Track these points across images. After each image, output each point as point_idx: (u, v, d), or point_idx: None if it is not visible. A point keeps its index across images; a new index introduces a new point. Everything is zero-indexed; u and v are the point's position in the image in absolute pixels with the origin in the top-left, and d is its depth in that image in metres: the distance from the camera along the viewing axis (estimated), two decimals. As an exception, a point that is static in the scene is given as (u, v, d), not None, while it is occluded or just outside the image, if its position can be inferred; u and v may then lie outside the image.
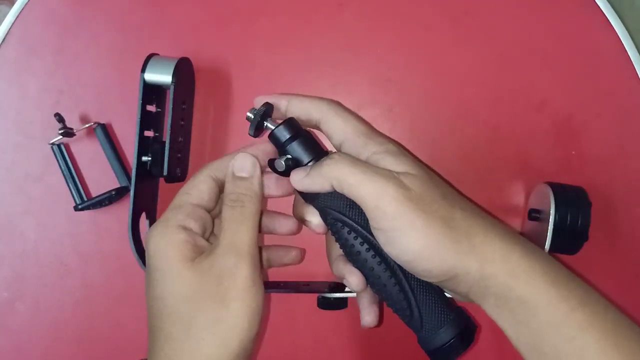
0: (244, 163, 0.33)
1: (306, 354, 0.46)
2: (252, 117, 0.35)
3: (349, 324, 0.46)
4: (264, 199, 0.35)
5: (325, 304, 0.43)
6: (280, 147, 0.35)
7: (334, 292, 0.43)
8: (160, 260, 0.31)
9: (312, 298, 0.43)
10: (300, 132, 0.35)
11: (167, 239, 0.31)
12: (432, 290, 0.34)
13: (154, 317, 0.31)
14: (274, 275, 0.45)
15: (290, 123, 0.35)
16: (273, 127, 0.35)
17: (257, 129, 0.35)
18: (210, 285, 0.29)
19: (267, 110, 0.36)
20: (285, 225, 0.40)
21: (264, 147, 0.36)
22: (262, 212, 0.38)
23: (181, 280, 0.29)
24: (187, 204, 0.33)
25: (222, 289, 0.29)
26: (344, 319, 0.46)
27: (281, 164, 0.34)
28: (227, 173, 0.34)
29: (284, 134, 0.34)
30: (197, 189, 0.34)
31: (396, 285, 0.33)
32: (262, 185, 0.34)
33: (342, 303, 0.43)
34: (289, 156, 0.34)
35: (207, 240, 0.33)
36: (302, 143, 0.34)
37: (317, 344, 0.46)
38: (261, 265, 0.37)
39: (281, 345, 0.46)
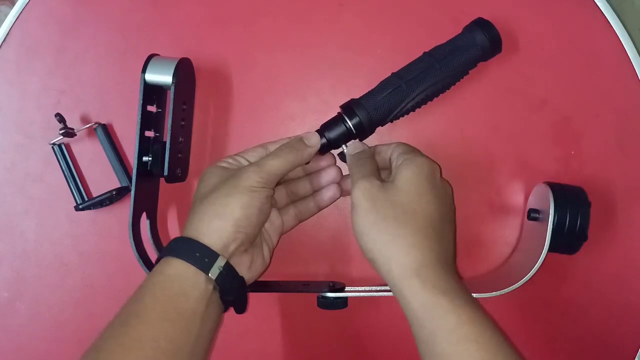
0: (312, 136, 0.41)
1: (306, 354, 0.46)
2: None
3: (348, 324, 0.46)
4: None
5: (325, 304, 0.43)
6: (332, 146, 0.43)
7: (333, 292, 0.43)
8: (206, 172, 0.41)
9: (312, 298, 0.43)
10: (322, 130, 0.42)
11: (212, 168, 0.41)
12: None
13: (193, 204, 0.39)
14: (274, 275, 0.45)
15: (322, 133, 0.43)
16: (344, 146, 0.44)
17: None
18: (232, 178, 0.38)
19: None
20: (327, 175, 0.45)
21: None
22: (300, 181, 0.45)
23: (215, 175, 0.40)
24: (233, 158, 0.42)
25: (238, 182, 0.38)
26: (343, 319, 0.46)
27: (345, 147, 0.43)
28: (298, 136, 0.41)
29: (322, 141, 0.42)
30: (249, 152, 0.42)
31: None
32: (310, 157, 0.41)
33: (341, 303, 0.43)
34: (344, 145, 0.43)
35: None
36: (331, 131, 0.42)
37: (317, 344, 0.46)
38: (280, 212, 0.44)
39: (281, 345, 0.46)
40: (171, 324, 0.34)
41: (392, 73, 0.43)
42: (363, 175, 0.38)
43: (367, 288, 0.43)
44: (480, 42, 0.42)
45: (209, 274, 0.36)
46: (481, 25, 0.43)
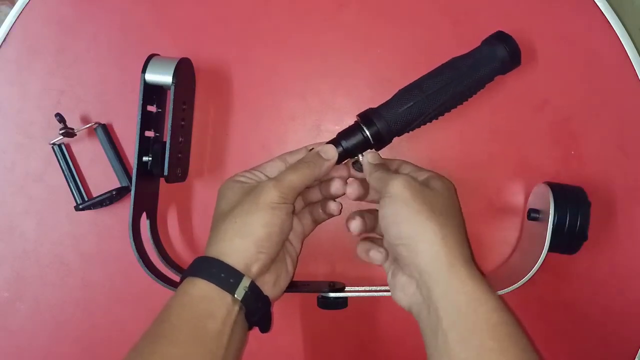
0: (329, 149, 0.41)
1: (306, 354, 0.46)
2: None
3: (348, 323, 0.46)
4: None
5: (325, 304, 0.43)
6: (348, 155, 0.42)
7: (333, 292, 0.43)
8: (225, 189, 0.41)
9: (312, 298, 0.43)
10: (339, 139, 0.42)
11: (231, 182, 0.41)
12: None
13: (213, 222, 0.40)
14: (274, 275, 0.45)
15: (336, 142, 0.42)
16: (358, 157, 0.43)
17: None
18: (252, 195, 0.38)
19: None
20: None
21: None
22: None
23: (235, 192, 0.39)
24: (252, 172, 0.42)
25: (258, 199, 0.38)
26: (343, 319, 0.46)
27: (359, 166, 0.43)
28: (314, 150, 0.42)
29: (339, 150, 0.42)
30: (267, 166, 0.42)
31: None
32: (328, 170, 0.41)
33: (341, 303, 0.43)
34: (360, 155, 0.43)
35: None
36: (348, 140, 0.42)
37: (317, 344, 0.46)
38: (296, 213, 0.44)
39: (281, 345, 0.46)
40: (199, 344, 0.34)
41: (412, 84, 0.42)
42: (397, 175, 0.39)
43: (367, 288, 0.43)
44: (501, 56, 0.42)
45: (235, 295, 0.36)
46: (502, 39, 0.42)
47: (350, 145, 0.41)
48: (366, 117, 0.42)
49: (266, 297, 0.38)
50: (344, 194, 0.42)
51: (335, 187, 0.42)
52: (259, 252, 0.37)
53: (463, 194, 0.43)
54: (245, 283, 0.36)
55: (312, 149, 0.42)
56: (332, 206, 0.43)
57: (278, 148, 0.46)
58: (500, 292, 0.41)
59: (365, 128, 0.41)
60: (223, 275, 0.36)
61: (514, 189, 0.46)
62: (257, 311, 0.37)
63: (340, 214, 0.43)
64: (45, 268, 0.47)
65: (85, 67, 0.47)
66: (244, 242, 0.37)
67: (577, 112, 0.46)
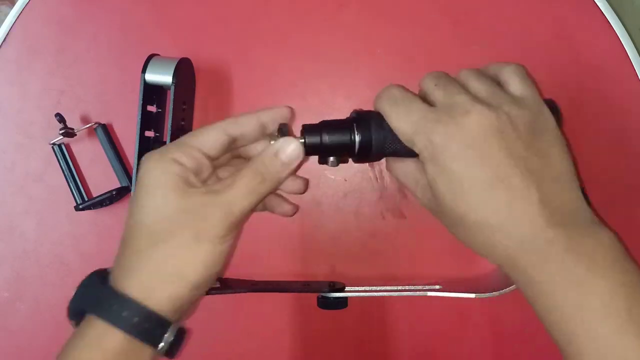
0: (294, 152, 0.34)
1: (306, 354, 0.46)
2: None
3: (349, 324, 0.46)
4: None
5: (325, 304, 0.43)
6: (320, 151, 0.35)
7: (333, 292, 0.43)
8: (151, 180, 0.32)
9: (312, 298, 0.43)
10: (321, 128, 0.35)
11: (161, 166, 0.32)
12: None
13: (130, 231, 0.32)
14: (275, 275, 0.45)
15: (307, 129, 0.35)
16: (303, 140, 0.35)
17: None
18: (193, 217, 0.31)
19: (287, 129, 0.36)
20: (293, 185, 0.40)
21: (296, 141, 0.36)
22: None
23: (167, 201, 0.31)
24: (188, 144, 0.33)
25: (203, 226, 0.31)
26: (344, 319, 0.46)
27: (335, 162, 0.36)
28: (270, 148, 0.34)
29: (315, 140, 0.35)
30: (204, 135, 0.34)
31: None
32: (288, 177, 0.35)
33: (342, 303, 0.43)
34: (333, 156, 0.36)
35: (202, 182, 0.34)
36: (331, 135, 0.35)
37: (317, 344, 0.46)
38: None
39: (281, 345, 0.46)
40: None
41: None
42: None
43: (368, 288, 0.43)
44: None
45: (159, 347, 0.30)
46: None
47: (330, 142, 0.34)
48: (364, 120, 0.35)
49: (186, 331, 0.32)
50: (304, 191, 0.39)
51: (295, 186, 0.38)
52: (193, 295, 0.31)
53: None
54: (172, 331, 0.30)
55: (278, 133, 0.35)
56: (287, 208, 0.39)
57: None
58: (501, 292, 0.41)
59: (357, 131, 0.35)
60: (147, 325, 0.29)
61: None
62: (175, 350, 0.31)
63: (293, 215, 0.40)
64: (45, 268, 0.47)
65: (85, 67, 0.47)
66: (177, 288, 0.30)
67: (577, 112, 0.46)
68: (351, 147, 0.35)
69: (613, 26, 0.46)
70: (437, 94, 0.33)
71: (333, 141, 0.35)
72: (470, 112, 0.31)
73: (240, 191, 0.32)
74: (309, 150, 0.35)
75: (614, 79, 0.46)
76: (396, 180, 0.40)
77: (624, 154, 0.46)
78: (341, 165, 0.37)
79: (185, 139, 0.34)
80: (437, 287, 0.43)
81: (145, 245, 0.31)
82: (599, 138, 0.46)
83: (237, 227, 0.32)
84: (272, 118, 0.36)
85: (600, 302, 0.28)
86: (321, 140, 0.35)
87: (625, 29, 0.46)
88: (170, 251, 0.30)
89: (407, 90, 0.35)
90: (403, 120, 0.33)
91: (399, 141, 0.34)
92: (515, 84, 0.34)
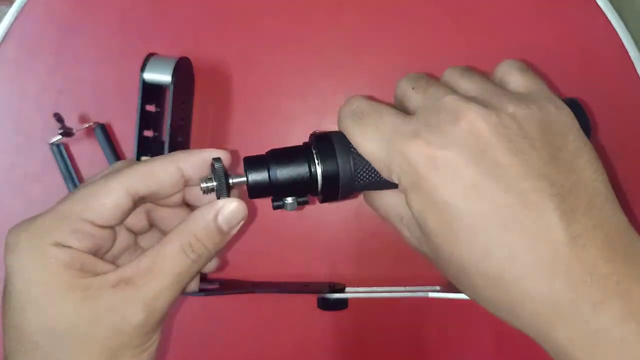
0: (238, 214, 0.26)
1: (306, 355, 0.46)
2: (216, 184, 0.27)
3: (349, 324, 0.46)
4: None
5: (325, 305, 0.42)
6: (272, 191, 0.27)
7: (333, 293, 0.42)
8: (28, 282, 0.23)
9: (312, 299, 0.43)
10: (269, 160, 0.27)
11: (38, 257, 0.23)
12: None
13: (11, 349, 0.23)
14: (274, 276, 0.45)
15: (249, 162, 0.27)
16: (246, 179, 0.27)
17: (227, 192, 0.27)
18: (103, 329, 0.22)
19: (221, 166, 0.27)
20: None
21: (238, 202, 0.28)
22: None
23: (55, 313, 0.22)
24: (75, 216, 0.24)
25: (118, 340, 0.23)
26: (344, 320, 0.46)
27: (294, 205, 0.28)
28: (205, 213, 0.26)
29: (262, 177, 0.27)
30: (98, 199, 0.25)
31: None
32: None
33: (342, 304, 0.43)
34: (290, 197, 0.28)
35: (103, 258, 0.26)
36: (284, 168, 0.27)
37: (317, 345, 0.46)
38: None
39: (281, 345, 0.46)
40: None
41: None
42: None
43: (368, 289, 0.43)
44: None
45: None
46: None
47: (283, 177, 0.26)
48: (326, 143, 0.27)
49: None
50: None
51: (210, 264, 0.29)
52: None
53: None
54: None
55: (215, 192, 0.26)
56: (211, 265, 0.30)
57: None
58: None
59: (318, 160, 0.26)
60: None
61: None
62: None
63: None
64: (43, 268, 0.46)
65: (84, 67, 0.47)
66: None
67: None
68: (312, 182, 0.27)
69: (614, 26, 0.45)
70: (415, 98, 0.26)
71: (287, 176, 0.26)
72: (462, 116, 0.23)
73: (164, 280, 0.24)
74: (254, 191, 0.27)
75: (614, 79, 0.46)
76: (378, 215, 0.31)
77: (624, 154, 0.45)
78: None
79: (68, 206, 0.24)
80: (438, 288, 0.43)
81: None
82: (599, 138, 0.45)
83: (160, 325, 0.25)
84: (193, 165, 0.28)
85: None
86: (270, 176, 0.27)
87: (627, 29, 0.46)
88: None
89: (374, 100, 0.27)
90: (370, 139, 0.25)
91: (374, 170, 0.26)
92: (517, 79, 0.26)
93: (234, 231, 0.26)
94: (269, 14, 0.47)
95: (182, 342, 0.45)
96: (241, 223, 0.26)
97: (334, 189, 0.27)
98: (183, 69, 0.43)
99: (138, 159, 0.41)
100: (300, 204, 0.28)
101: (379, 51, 0.46)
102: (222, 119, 0.46)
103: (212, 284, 0.44)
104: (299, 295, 0.45)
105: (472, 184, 0.22)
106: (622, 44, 0.45)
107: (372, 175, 0.27)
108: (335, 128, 0.44)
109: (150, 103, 0.42)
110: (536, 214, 0.21)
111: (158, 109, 0.44)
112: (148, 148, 0.42)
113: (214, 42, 0.46)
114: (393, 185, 0.26)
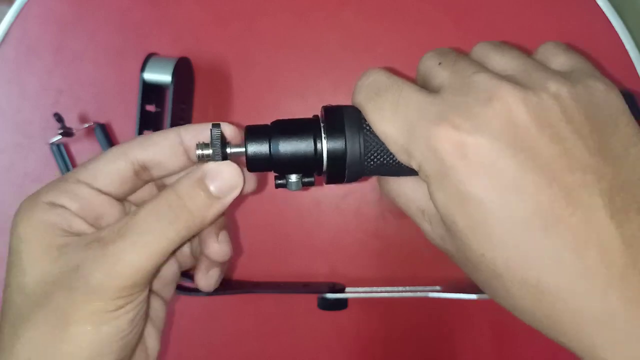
0: (229, 180, 0.24)
1: (306, 355, 0.46)
2: (211, 151, 0.24)
3: (348, 324, 0.46)
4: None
5: (325, 305, 0.42)
6: (272, 166, 0.25)
7: (333, 293, 0.42)
8: (17, 239, 0.23)
9: (312, 299, 0.43)
10: (272, 131, 0.25)
11: (31, 217, 0.23)
12: None
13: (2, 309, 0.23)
14: (274, 275, 0.45)
15: (251, 132, 0.25)
16: (245, 149, 0.25)
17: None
18: (60, 288, 0.21)
19: (218, 139, 0.25)
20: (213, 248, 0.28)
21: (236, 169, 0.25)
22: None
23: (35, 268, 0.22)
24: (72, 179, 0.24)
25: (73, 299, 0.21)
26: (343, 320, 0.46)
27: (298, 184, 0.26)
28: (192, 174, 0.24)
29: (262, 150, 0.24)
30: (98, 164, 0.25)
31: None
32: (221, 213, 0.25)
33: (341, 304, 0.43)
34: (294, 176, 0.25)
35: (95, 225, 0.25)
36: (287, 142, 0.24)
37: (316, 345, 0.46)
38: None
39: (281, 345, 0.46)
40: None
41: None
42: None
43: (368, 289, 0.43)
44: None
45: None
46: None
47: (285, 152, 0.24)
48: (336, 119, 0.25)
49: None
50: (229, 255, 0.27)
51: (214, 250, 0.26)
52: None
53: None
54: None
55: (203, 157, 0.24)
56: (215, 248, 0.26)
57: (278, 148, 0.46)
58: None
59: (325, 136, 0.24)
60: None
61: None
62: None
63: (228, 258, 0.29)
64: (43, 268, 0.46)
65: (83, 67, 0.47)
66: None
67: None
68: (316, 159, 0.24)
69: (614, 26, 0.45)
70: (441, 75, 0.23)
71: (289, 150, 0.24)
72: (495, 96, 0.20)
73: (136, 241, 0.22)
74: (253, 164, 0.24)
75: (614, 79, 0.46)
76: (394, 205, 0.28)
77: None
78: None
79: (71, 172, 0.25)
80: (438, 288, 0.43)
81: (8, 334, 0.22)
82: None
83: (137, 291, 0.22)
84: (194, 134, 0.26)
85: None
86: (271, 149, 0.24)
87: (627, 29, 0.45)
88: (30, 346, 0.21)
89: (395, 75, 0.25)
90: (389, 119, 0.22)
91: (388, 152, 0.24)
92: (560, 57, 0.24)
93: (227, 199, 0.24)
94: (269, 14, 0.46)
95: (182, 342, 0.45)
96: (236, 191, 0.24)
97: (340, 169, 0.24)
98: (183, 69, 0.43)
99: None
100: (306, 185, 0.26)
101: (378, 51, 0.46)
102: (222, 118, 0.46)
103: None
104: (299, 295, 0.45)
105: (508, 177, 0.19)
106: (622, 44, 0.45)
107: (386, 157, 0.24)
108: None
109: (150, 103, 0.42)
110: (583, 213, 0.18)
111: (158, 109, 0.44)
112: (148, 148, 0.42)
113: (214, 42, 0.46)
114: (410, 172, 0.23)
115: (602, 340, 0.19)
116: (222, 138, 0.25)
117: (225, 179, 0.24)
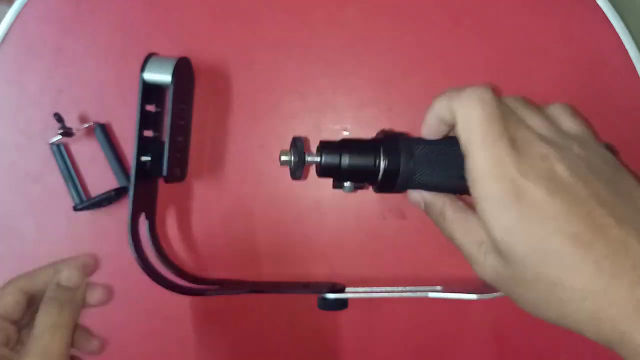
0: (71, 274, 0.33)
1: (306, 355, 0.46)
2: (295, 159, 0.32)
3: (348, 324, 0.46)
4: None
5: (325, 305, 0.42)
6: (337, 174, 0.32)
7: (333, 293, 0.42)
8: None
9: (312, 299, 0.43)
10: (341, 147, 0.31)
11: None
12: None
13: None
14: (274, 275, 0.45)
15: (325, 146, 0.32)
16: (319, 159, 0.32)
17: (300, 169, 0.33)
18: None
19: (302, 145, 0.33)
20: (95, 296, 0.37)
21: (84, 260, 0.35)
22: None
23: None
24: None
25: None
26: (343, 320, 0.46)
27: (351, 188, 0.33)
28: (51, 282, 0.32)
29: (332, 161, 0.31)
30: (3, 299, 0.32)
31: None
32: (85, 297, 0.33)
33: (341, 304, 0.43)
34: (350, 182, 0.32)
35: (12, 350, 0.32)
36: (353, 158, 0.31)
37: (317, 345, 0.46)
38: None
39: (281, 345, 0.46)
40: None
41: None
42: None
43: (368, 289, 0.43)
44: None
45: None
46: None
47: (350, 165, 0.31)
48: (393, 143, 0.31)
49: None
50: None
51: (95, 296, 0.35)
52: None
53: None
54: None
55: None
56: (97, 295, 0.35)
57: (277, 147, 0.46)
58: (501, 293, 0.41)
59: (383, 156, 0.30)
60: None
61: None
62: None
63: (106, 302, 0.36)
64: (43, 268, 0.46)
65: (83, 67, 0.47)
66: None
67: (578, 111, 0.46)
68: (374, 173, 0.31)
69: (614, 26, 0.45)
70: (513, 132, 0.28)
71: (354, 164, 0.31)
72: (549, 156, 0.27)
73: (44, 339, 0.29)
74: (324, 171, 0.31)
75: (614, 79, 0.46)
76: (430, 218, 0.34)
77: (624, 154, 0.45)
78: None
79: None
80: (438, 288, 0.43)
81: None
82: (600, 138, 0.45)
83: None
84: (69, 266, 0.34)
85: None
86: (340, 161, 0.31)
87: (627, 29, 0.45)
88: None
89: (526, 101, 0.30)
90: (488, 156, 0.27)
91: (430, 173, 0.30)
92: (569, 122, 0.31)
93: (81, 287, 0.33)
94: (269, 14, 0.46)
95: (182, 342, 0.45)
96: (83, 280, 0.33)
97: (391, 184, 0.31)
98: (183, 69, 0.43)
99: (138, 159, 0.41)
100: (357, 188, 0.33)
101: (379, 51, 0.46)
102: (221, 118, 0.46)
103: (212, 284, 0.44)
104: (299, 295, 0.45)
105: (561, 210, 0.26)
106: (622, 44, 0.45)
107: (429, 177, 0.30)
108: (334, 127, 0.44)
109: (150, 103, 0.42)
110: (613, 235, 0.25)
111: (158, 109, 0.44)
112: (148, 148, 0.42)
113: (214, 42, 0.46)
114: (448, 189, 0.31)
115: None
116: (302, 150, 0.32)
117: (75, 278, 0.33)
